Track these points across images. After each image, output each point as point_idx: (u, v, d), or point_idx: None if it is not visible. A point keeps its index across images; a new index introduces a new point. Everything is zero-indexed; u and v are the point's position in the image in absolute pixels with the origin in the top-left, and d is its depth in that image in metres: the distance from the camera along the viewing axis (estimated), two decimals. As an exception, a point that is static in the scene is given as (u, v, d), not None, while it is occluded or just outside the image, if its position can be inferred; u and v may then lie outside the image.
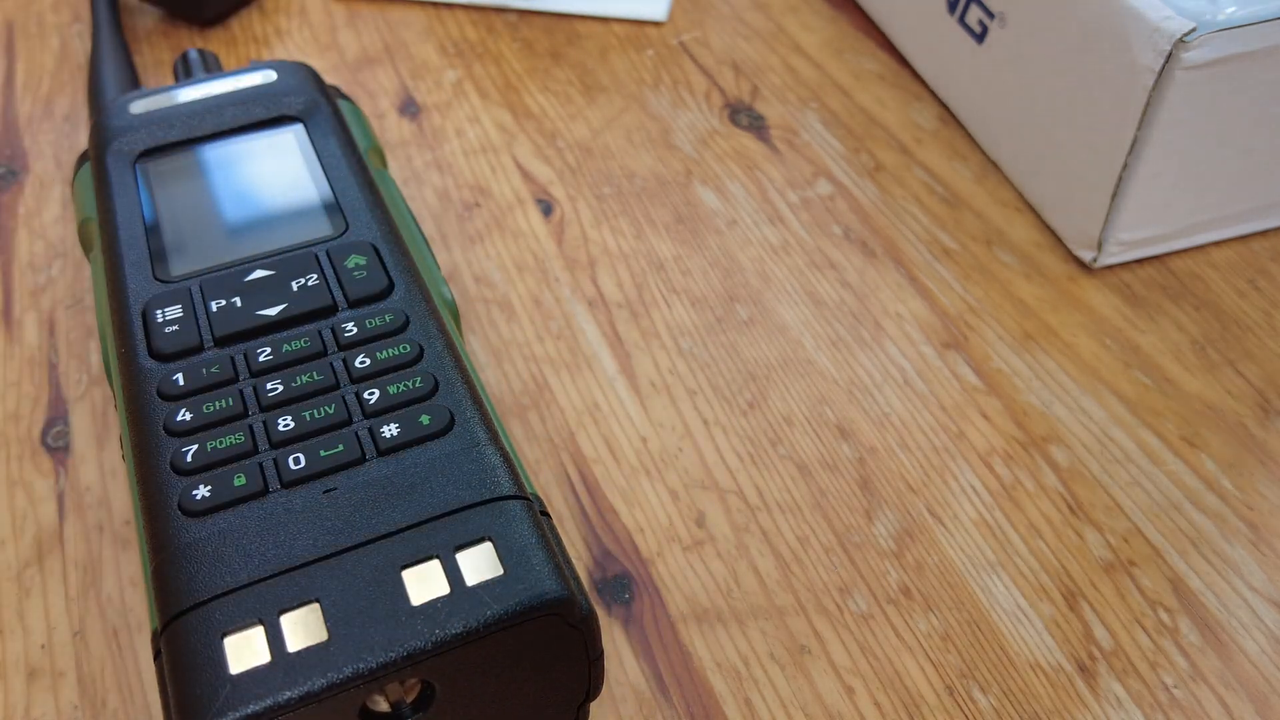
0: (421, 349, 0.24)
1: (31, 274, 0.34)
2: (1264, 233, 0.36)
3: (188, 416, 0.22)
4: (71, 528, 0.28)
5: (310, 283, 0.25)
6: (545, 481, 0.29)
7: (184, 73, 0.35)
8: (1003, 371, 0.32)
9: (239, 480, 0.21)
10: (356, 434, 0.22)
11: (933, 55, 0.41)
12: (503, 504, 0.21)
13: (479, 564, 0.20)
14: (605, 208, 0.37)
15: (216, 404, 0.22)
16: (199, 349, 0.24)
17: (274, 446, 0.22)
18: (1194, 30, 0.29)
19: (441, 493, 0.21)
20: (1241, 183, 0.34)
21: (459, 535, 0.20)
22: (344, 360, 0.23)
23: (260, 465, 0.21)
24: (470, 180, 0.37)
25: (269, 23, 0.44)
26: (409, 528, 0.20)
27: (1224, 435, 0.30)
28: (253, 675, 0.18)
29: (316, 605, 0.19)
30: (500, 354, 0.32)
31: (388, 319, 0.24)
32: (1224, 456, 0.30)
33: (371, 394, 0.23)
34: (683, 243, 0.35)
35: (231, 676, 0.18)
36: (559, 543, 0.21)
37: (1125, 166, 0.32)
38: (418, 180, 0.37)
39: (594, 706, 0.24)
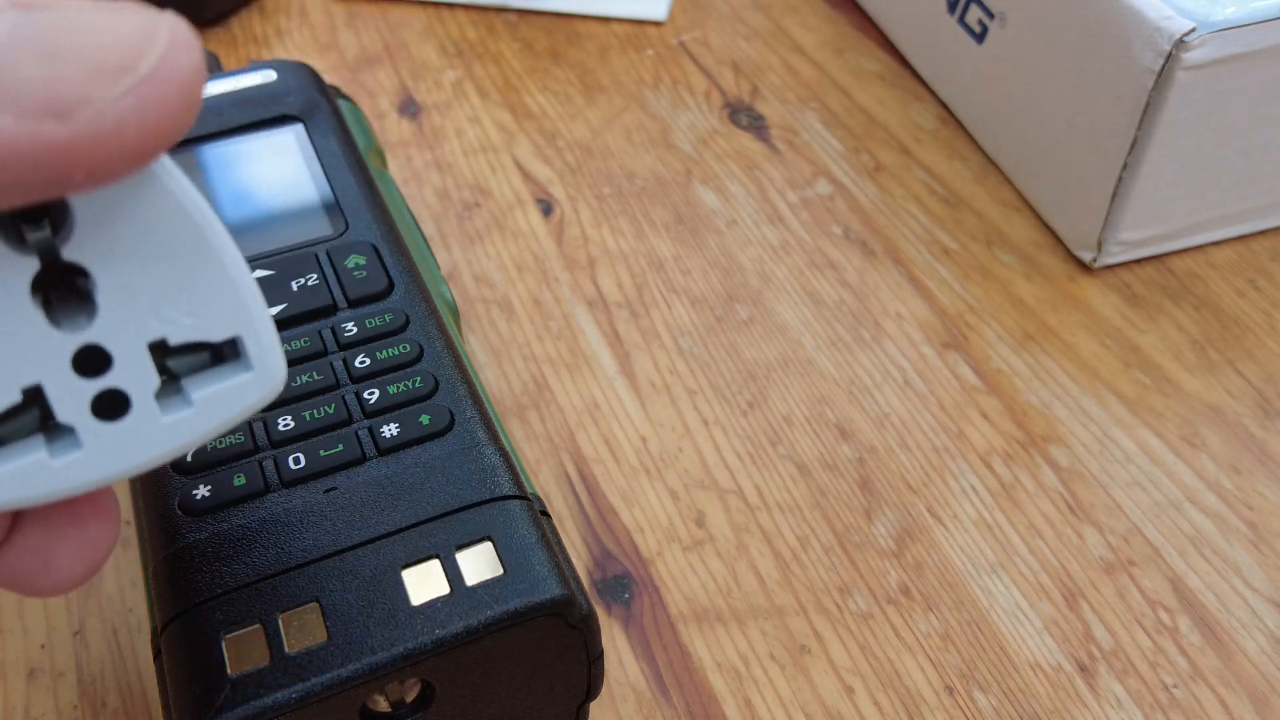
0: (421, 349, 0.24)
1: (31, 274, 0.34)
2: (1264, 233, 0.36)
3: (187, 416, 0.22)
4: (71, 528, 0.28)
5: (310, 283, 0.25)
6: (545, 481, 0.29)
7: (184, 73, 0.35)
8: (1003, 371, 0.32)
9: (239, 480, 0.21)
10: (356, 434, 0.22)
11: (933, 55, 0.41)
12: (503, 504, 0.21)
13: (479, 564, 0.20)
14: (605, 208, 0.37)
15: (216, 404, 0.22)
16: (199, 349, 0.24)
17: (274, 446, 0.22)
18: (1194, 30, 0.29)
19: (441, 492, 0.21)
20: (1241, 183, 0.34)
21: (459, 535, 0.20)
22: (344, 360, 0.23)
23: (260, 465, 0.21)
24: (470, 180, 0.37)
25: (269, 23, 0.44)
26: (409, 528, 0.20)
27: (1224, 435, 0.30)
28: (252, 675, 0.18)
29: (316, 605, 0.19)
30: (500, 354, 0.32)
31: (388, 319, 0.24)
32: (1224, 456, 0.30)
33: (371, 394, 0.23)
34: (683, 243, 0.35)
35: (231, 677, 0.18)
36: (559, 543, 0.21)
37: (1125, 166, 0.32)
38: (418, 180, 0.37)
39: (594, 706, 0.24)
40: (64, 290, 0.14)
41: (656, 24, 0.44)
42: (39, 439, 0.14)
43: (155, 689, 0.25)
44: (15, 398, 0.13)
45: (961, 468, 0.29)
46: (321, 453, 0.21)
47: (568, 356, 0.32)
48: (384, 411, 0.22)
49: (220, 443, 0.22)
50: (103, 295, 0.13)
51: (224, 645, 0.19)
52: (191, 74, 0.12)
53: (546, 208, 0.37)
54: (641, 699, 0.25)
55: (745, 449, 0.30)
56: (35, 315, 0.13)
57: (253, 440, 0.22)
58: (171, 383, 0.14)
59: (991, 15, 0.36)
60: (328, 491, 0.21)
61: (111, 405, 0.14)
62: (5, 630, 0.26)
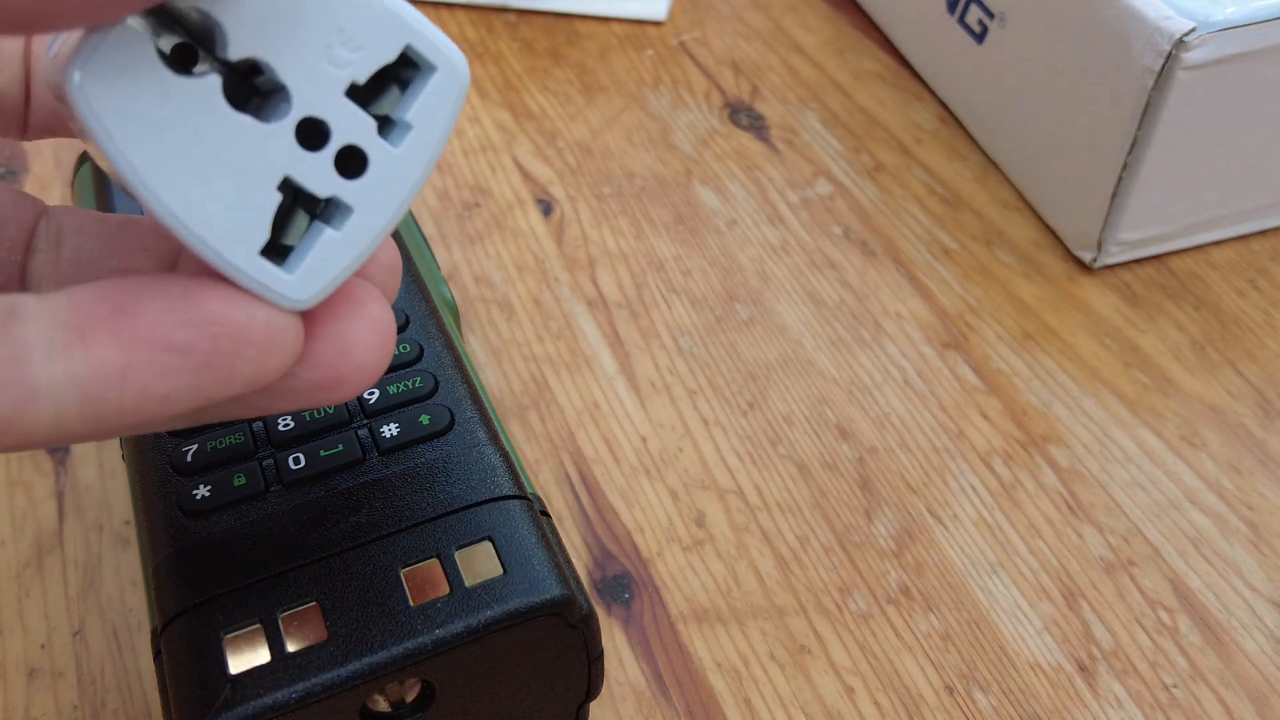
0: (421, 349, 0.24)
1: (31, 274, 0.34)
2: (1264, 233, 0.36)
3: (188, 416, 0.22)
4: (71, 528, 0.28)
5: (310, 282, 0.25)
6: (545, 481, 0.29)
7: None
8: (1003, 371, 0.32)
9: (239, 480, 0.21)
10: (356, 434, 0.22)
11: (933, 55, 0.41)
12: (503, 504, 0.21)
13: (479, 564, 0.20)
14: (605, 208, 0.37)
15: (216, 404, 0.22)
16: (199, 349, 0.24)
17: (274, 446, 0.22)
18: (1194, 30, 0.29)
19: (441, 493, 0.21)
20: (1241, 183, 0.34)
21: (459, 535, 0.20)
22: (344, 360, 0.23)
23: (260, 465, 0.21)
24: (470, 180, 0.37)
25: (269, 23, 0.44)
26: (409, 528, 0.20)
27: (1224, 435, 0.30)
28: (253, 675, 0.18)
29: (316, 605, 0.19)
30: (500, 354, 0.32)
31: (388, 319, 0.24)
32: (1224, 456, 0.30)
33: (371, 394, 0.23)
34: (683, 243, 0.35)
35: (231, 676, 0.18)
36: (559, 543, 0.21)
37: (1125, 166, 0.32)
38: (418, 180, 0.37)
39: (594, 706, 0.24)
40: (253, 93, 0.15)
41: (656, 24, 0.44)
42: (318, 225, 0.15)
43: (155, 689, 0.25)
44: (276, 197, 0.15)
45: (961, 468, 0.29)
46: (321, 453, 0.21)
47: (568, 356, 0.32)
48: (384, 411, 0.22)
49: (220, 442, 0.22)
50: (282, 72, 0.14)
51: (224, 645, 0.19)
52: None
53: (546, 208, 0.37)
54: (641, 699, 0.25)
55: (745, 449, 0.30)
56: (245, 121, 0.14)
57: (253, 440, 0.22)
58: (386, 121, 0.16)
59: (991, 15, 0.36)
60: (328, 491, 0.21)
61: (352, 163, 0.15)
62: (5, 630, 0.26)
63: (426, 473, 0.21)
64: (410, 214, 0.29)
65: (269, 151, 0.14)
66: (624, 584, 0.27)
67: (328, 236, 0.15)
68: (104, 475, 0.29)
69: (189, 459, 0.21)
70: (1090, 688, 0.25)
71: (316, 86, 0.15)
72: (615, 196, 0.37)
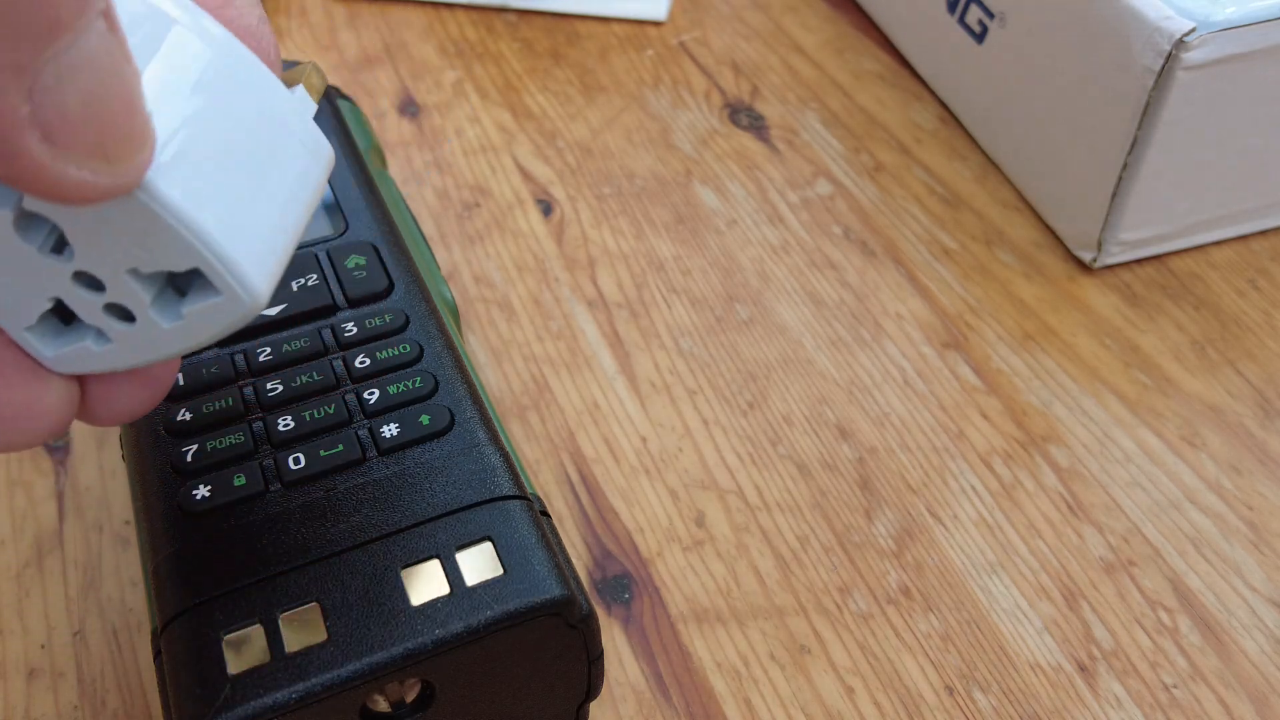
0: (421, 349, 0.24)
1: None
2: (1264, 233, 0.36)
3: (188, 416, 0.22)
4: (71, 528, 0.28)
5: (310, 282, 0.25)
6: (545, 481, 0.29)
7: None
8: (1003, 371, 0.32)
9: (239, 480, 0.21)
10: (356, 434, 0.22)
11: (933, 55, 0.41)
12: (503, 504, 0.21)
13: (479, 564, 0.20)
14: (605, 208, 0.37)
15: (216, 404, 0.22)
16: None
17: (274, 446, 0.22)
18: (1194, 30, 0.29)
19: (441, 493, 0.21)
20: (1241, 183, 0.34)
21: (459, 535, 0.20)
22: (344, 360, 0.23)
23: (260, 465, 0.21)
24: (470, 180, 0.37)
25: (269, 23, 0.44)
26: (409, 528, 0.20)
27: (1224, 435, 0.30)
28: (253, 675, 0.18)
29: (316, 605, 0.19)
30: (500, 354, 0.32)
31: (387, 319, 0.24)
32: (1224, 456, 0.30)
33: (371, 394, 0.23)
34: (683, 243, 0.35)
35: (231, 676, 0.18)
36: (559, 543, 0.21)
37: (1125, 166, 0.32)
38: (418, 180, 0.37)
39: (594, 706, 0.24)
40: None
41: (656, 24, 0.44)
42: (83, 332, 0.16)
43: (155, 689, 0.25)
44: (47, 304, 0.16)
45: (961, 468, 0.29)
46: (322, 453, 0.21)
47: (568, 356, 0.32)
48: (384, 411, 0.22)
49: (220, 442, 0.22)
50: (70, 237, 0.15)
51: (224, 645, 0.19)
52: None
53: (546, 208, 0.37)
54: (641, 699, 0.25)
55: (745, 449, 0.30)
56: (28, 249, 0.15)
57: (253, 440, 0.22)
58: (175, 292, 0.16)
59: (991, 15, 0.36)
60: (328, 492, 0.21)
61: (121, 314, 0.16)
62: (5, 630, 0.26)
63: (426, 473, 0.21)
64: (410, 213, 0.29)
65: (46, 276, 0.15)
66: (624, 584, 0.27)
67: (84, 346, 0.16)
68: (104, 475, 0.29)
69: (189, 459, 0.21)
70: (1090, 688, 0.25)
71: (101, 259, 0.15)
72: (615, 196, 0.37)
